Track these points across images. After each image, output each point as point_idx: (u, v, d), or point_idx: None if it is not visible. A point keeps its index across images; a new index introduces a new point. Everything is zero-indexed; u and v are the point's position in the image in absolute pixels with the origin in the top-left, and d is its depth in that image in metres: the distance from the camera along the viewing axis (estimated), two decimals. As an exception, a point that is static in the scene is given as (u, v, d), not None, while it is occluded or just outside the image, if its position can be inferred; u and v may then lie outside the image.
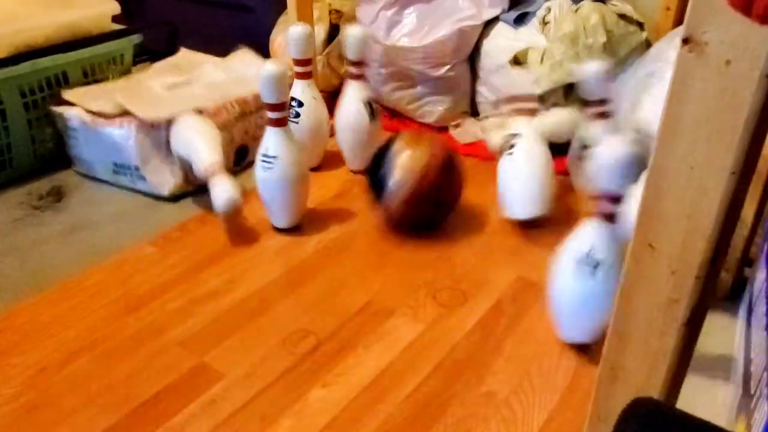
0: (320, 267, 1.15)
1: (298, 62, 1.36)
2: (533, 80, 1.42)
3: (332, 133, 1.47)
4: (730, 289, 1.04)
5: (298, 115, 1.38)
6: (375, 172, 1.19)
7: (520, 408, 0.87)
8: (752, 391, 0.70)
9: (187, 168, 1.25)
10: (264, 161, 1.17)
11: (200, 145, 1.25)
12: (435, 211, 1.21)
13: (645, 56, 1.34)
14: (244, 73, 1.52)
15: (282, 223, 1.24)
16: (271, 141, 1.17)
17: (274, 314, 1.04)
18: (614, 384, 0.60)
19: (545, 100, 1.42)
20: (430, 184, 1.15)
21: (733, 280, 1.04)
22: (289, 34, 1.34)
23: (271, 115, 1.16)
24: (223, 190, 1.17)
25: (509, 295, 1.07)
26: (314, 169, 1.43)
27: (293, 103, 1.38)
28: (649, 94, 1.23)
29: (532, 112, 1.40)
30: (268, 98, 1.15)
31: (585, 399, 0.87)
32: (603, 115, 1.17)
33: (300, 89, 1.38)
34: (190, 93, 1.42)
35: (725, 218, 0.48)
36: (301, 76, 1.37)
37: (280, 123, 1.17)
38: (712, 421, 0.45)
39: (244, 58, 1.59)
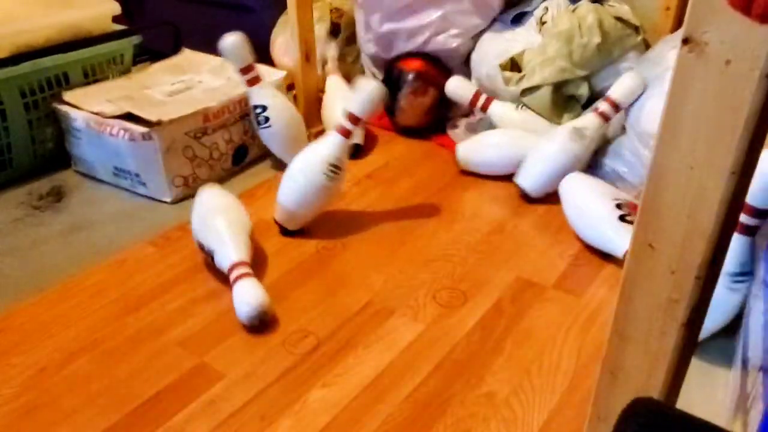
0: (320, 267, 1.15)
1: (244, 70, 1.34)
2: (522, 74, 1.42)
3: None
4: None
5: (267, 119, 1.37)
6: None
7: (520, 408, 0.87)
8: (749, 390, 0.70)
9: (208, 255, 1.10)
10: (334, 172, 1.17)
11: (226, 237, 1.07)
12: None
13: (643, 59, 1.34)
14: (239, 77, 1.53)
15: (299, 226, 1.23)
16: (342, 152, 1.18)
17: (273, 314, 1.04)
18: (614, 384, 0.60)
19: (527, 94, 1.42)
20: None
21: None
22: (223, 47, 1.31)
23: (349, 126, 1.17)
24: (247, 298, 0.99)
25: (509, 295, 1.07)
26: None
27: (257, 110, 1.37)
28: (649, 96, 1.24)
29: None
30: (360, 112, 1.16)
31: (585, 399, 0.87)
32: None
33: (256, 95, 1.37)
34: (191, 96, 1.42)
35: (725, 218, 0.48)
36: (251, 82, 1.36)
37: (350, 134, 1.19)
38: (712, 421, 0.45)
39: None
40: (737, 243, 0.86)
